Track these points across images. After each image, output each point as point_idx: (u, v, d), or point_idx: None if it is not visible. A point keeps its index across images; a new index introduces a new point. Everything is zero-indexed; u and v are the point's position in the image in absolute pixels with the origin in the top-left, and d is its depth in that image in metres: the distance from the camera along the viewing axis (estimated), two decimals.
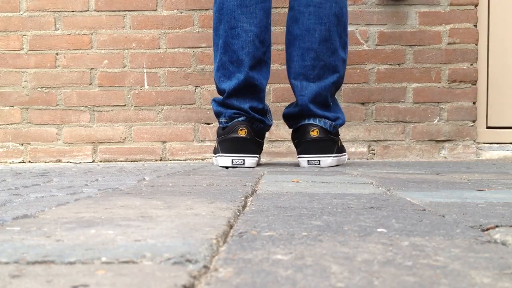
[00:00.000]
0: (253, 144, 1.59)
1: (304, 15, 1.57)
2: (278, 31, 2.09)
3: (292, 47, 1.61)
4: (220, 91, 1.64)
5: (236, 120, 1.58)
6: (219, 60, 1.61)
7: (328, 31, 1.57)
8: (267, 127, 1.67)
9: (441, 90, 2.11)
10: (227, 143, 1.59)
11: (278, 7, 2.09)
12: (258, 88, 1.60)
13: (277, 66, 2.09)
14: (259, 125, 1.63)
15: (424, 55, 2.11)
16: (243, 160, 1.57)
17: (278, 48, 2.09)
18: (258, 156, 1.62)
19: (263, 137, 1.67)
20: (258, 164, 1.69)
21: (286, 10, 2.08)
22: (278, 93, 2.10)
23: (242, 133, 1.57)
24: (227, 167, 1.57)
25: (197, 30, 2.11)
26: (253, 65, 1.58)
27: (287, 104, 2.03)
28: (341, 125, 1.66)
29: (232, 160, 1.58)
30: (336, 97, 1.72)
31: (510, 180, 1.09)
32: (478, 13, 2.12)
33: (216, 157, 1.70)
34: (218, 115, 1.66)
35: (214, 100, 1.68)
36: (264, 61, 1.62)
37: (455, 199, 0.75)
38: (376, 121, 2.12)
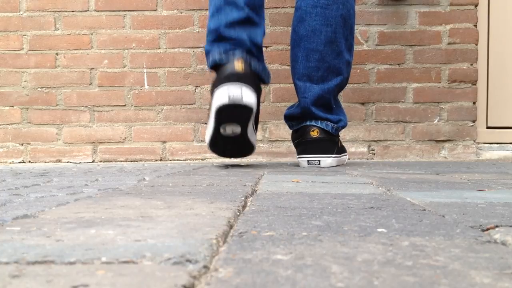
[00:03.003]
0: (250, 78, 1.41)
1: (311, 16, 1.56)
2: (278, 31, 2.09)
3: (297, 48, 1.60)
4: (213, 28, 1.48)
5: (231, 52, 1.43)
6: (214, 5, 1.50)
7: (334, 33, 1.56)
8: (266, 71, 1.53)
9: (441, 90, 2.11)
10: (221, 74, 1.41)
11: (278, 7, 2.10)
12: (257, 26, 1.51)
13: (277, 66, 2.09)
14: (258, 64, 1.48)
15: (424, 55, 2.11)
16: (241, 95, 1.38)
17: (278, 48, 2.09)
18: (255, 93, 1.42)
19: (261, 76, 1.50)
20: (258, 165, 1.68)
21: (287, 10, 2.09)
22: (278, 93, 2.10)
23: (239, 67, 1.39)
24: (223, 106, 1.39)
25: (197, 30, 2.11)
26: (250, 5, 1.48)
27: (287, 104, 2.04)
28: (343, 127, 1.66)
29: (229, 96, 1.38)
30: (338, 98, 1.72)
31: (510, 180, 1.09)
32: (478, 13, 2.12)
33: (212, 96, 1.44)
34: (208, 52, 1.48)
35: (206, 41, 1.53)
36: (260, 6, 1.52)
37: (455, 199, 0.75)
38: (376, 121, 2.12)
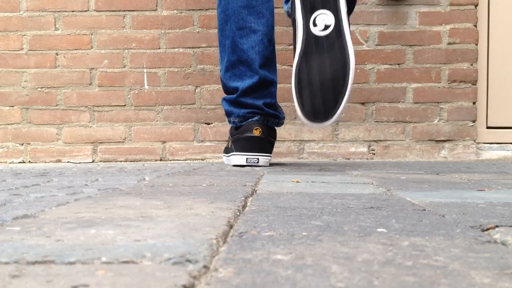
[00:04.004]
0: (266, 143, 1.60)
1: None
2: (278, 30, 2.09)
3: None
4: (230, 89, 1.63)
5: (250, 120, 1.59)
6: (227, 60, 1.61)
7: None
8: (281, 120, 1.67)
9: (441, 90, 2.11)
10: (241, 142, 1.59)
11: (278, 7, 2.09)
12: (270, 85, 1.61)
13: (277, 66, 2.08)
14: (273, 120, 1.63)
15: (424, 55, 2.11)
16: (258, 158, 1.58)
17: (278, 48, 2.09)
18: (271, 155, 1.64)
19: (275, 136, 1.67)
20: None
21: None
22: (278, 93, 2.10)
23: (256, 132, 1.58)
24: (241, 166, 1.58)
25: (197, 30, 2.11)
26: (263, 64, 1.59)
27: (287, 104, 2.04)
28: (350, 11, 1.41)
29: (247, 158, 1.58)
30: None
31: (510, 180, 1.09)
32: (478, 13, 2.12)
33: (228, 156, 1.70)
34: (229, 114, 1.65)
35: (224, 99, 1.66)
36: (272, 59, 1.62)
37: (455, 199, 0.75)
38: (376, 121, 2.12)
